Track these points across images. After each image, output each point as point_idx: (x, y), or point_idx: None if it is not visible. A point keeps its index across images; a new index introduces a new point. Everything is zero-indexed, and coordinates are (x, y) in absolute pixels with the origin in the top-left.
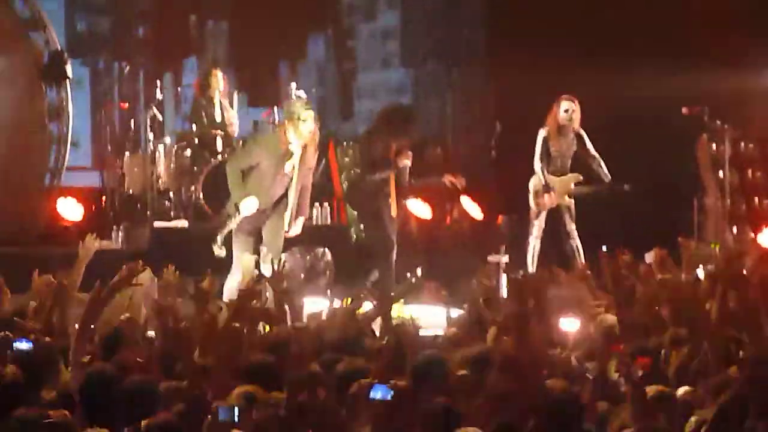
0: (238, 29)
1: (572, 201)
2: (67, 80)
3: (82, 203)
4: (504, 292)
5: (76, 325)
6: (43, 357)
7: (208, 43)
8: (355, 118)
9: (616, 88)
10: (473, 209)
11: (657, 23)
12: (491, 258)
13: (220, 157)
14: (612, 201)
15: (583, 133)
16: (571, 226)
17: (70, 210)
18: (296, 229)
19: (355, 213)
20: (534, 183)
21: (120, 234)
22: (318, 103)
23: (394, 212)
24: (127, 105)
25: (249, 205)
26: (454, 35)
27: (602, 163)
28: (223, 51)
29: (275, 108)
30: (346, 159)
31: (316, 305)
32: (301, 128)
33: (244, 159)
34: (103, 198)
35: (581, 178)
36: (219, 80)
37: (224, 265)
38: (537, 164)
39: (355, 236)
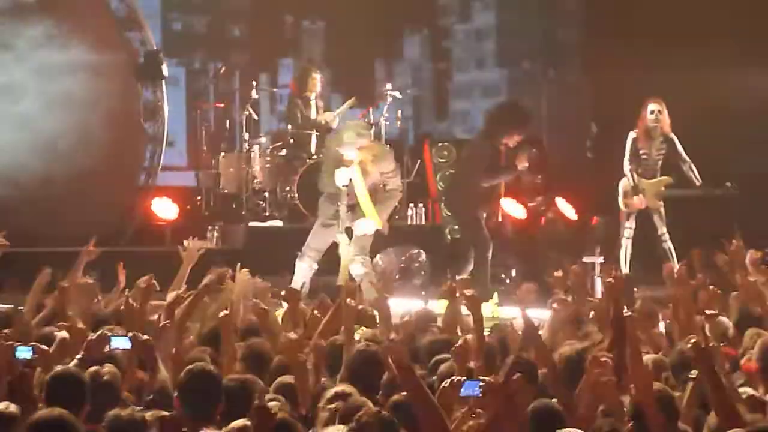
0: (333, 29)
1: (662, 204)
2: (163, 80)
3: (177, 203)
4: (599, 293)
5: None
6: (141, 355)
7: (303, 43)
8: (450, 118)
9: (714, 90)
10: (568, 210)
11: (757, 20)
12: (586, 259)
13: (315, 157)
14: (707, 204)
15: (673, 136)
16: (663, 229)
17: (165, 209)
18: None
19: (449, 213)
20: (623, 185)
21: (215, 233)
22: (413, 102)
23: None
24: (222, 105)
25: (342, 176)
26: (550, 35)
27: (693, 167)
28: (318, 51)
29: (371, 108)
30: (441, 159)
31: (410, 305)
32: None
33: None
34: (198, 197)
35: (672, 181)
36: (315, 80)
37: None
38: (626, 166)
39: (449, 236)
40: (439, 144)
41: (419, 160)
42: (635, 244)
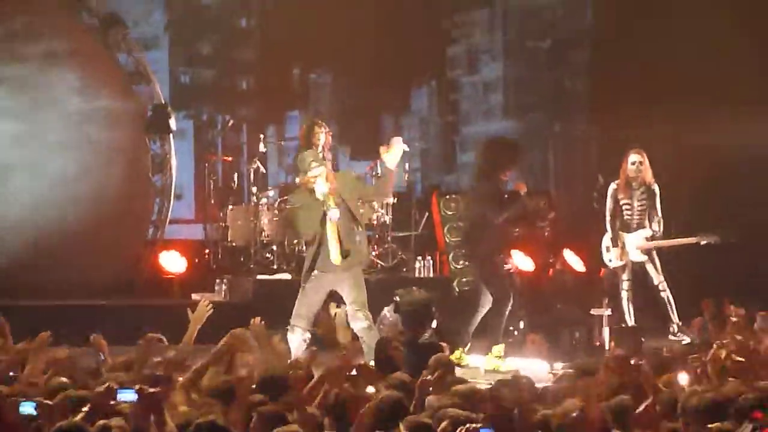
0: (341, 81)
1: (650, 254)
2: (171, 133)
3: (185, 255)
4: (607, 345)
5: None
6: (148, 408)
7: (311, 96)
8: (458, 171)
9: (722, 139)
10: (576, 262)
11: (761, 70)
12: (594, 311)
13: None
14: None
15: (656, 187)
16: (658, 279)
17: (173, 262)
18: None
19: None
20: (604, 238)
21: (223, 286)
22: (421, 155)
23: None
24: (230, 158)
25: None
26: (557, 87)
27: (660, 223)
28: (326, 103)
29: (378, 161)
30: (449, 212)
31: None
32: (314, 182)
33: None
34: (206, 250)
35: (651, 232)
36: (320, 133)
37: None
38: (607, 219)
39: (458, 289)
40: (447, 196)
41: (427, 213)
42: (640, 294)
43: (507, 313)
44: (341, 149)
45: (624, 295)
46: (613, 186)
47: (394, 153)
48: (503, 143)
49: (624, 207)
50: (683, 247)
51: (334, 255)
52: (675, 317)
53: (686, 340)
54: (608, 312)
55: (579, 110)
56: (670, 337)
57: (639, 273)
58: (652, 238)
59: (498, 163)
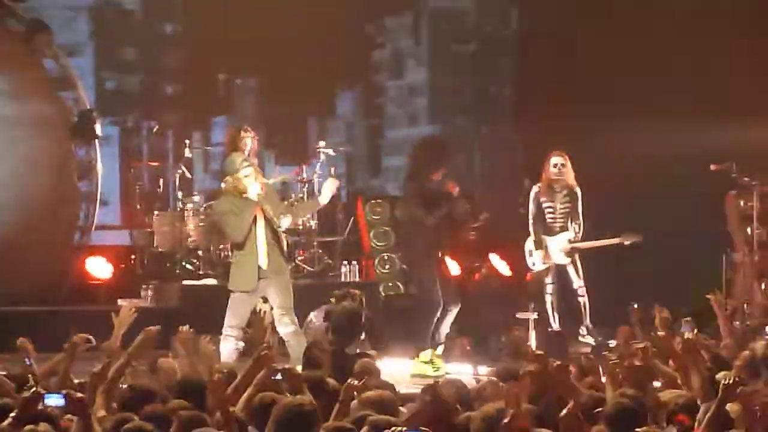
0: (266, 86)
1: (573, 257)
2: (97, 139)
3: (111, 261)
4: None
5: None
6: (75, 413)
7: (236, 101)
8: (383, 175)
9: (645, 144)
10: (502, 266)
11: (685, 79)
12: (520, 315)
13: None
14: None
15: (578, 190)
16: (578, 283)
17: (100, 268)
18: (285, 222)
19: (385, 269)
20: (527, 242)
21: (149, 292)
22: (346, 159)
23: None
24: (156, 163)
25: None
26: (482, 92)
27: (580, 226)
28: (251, 108)
29: (304, 166)
30: (375, 216)
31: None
32: (245, 183)
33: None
34: (133, 256)
35: (573, 235)
36: (245, 139)
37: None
38: (530, 222)
39: (383, 294)
40: (372, 201)
41: (352, 218)
42: (566, 298)
43: (436, 318)
44: (267, 154)
45: (548, 299)
46: (535, 189)
47: (327, 190)
48: (432, 143)
49: (547, 210)
50: (607, 249)
51: (262, 259)
52: (587, 319)
53: (591, 342)
54: (534, 316)
55: (504, 115)
56: (579, 338)
57: (563, 276)
58: (574, 240)
59: (428, 163)
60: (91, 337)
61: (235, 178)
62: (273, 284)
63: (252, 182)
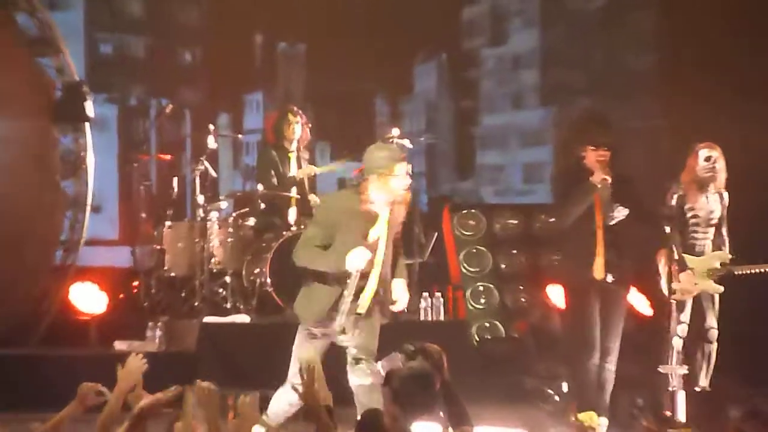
0: (319, 54)
1: (719, 288)
2: (87, 122)
3: (105, 289)
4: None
5: None
6: None
7: (279, 73)
8: (478, 175)
9: None
10: (640, 302)
11: None
12: (663, 369)
13: (295, 228)
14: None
15: (726, 195)
16: (712, 323)
17: (90, 298)
18: (402, 303)
19: (479, 304)
20: (661, 263)
21: (158, 332)
22: (427, 154)
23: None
24: (168, 156)
25: (357, 257)
26: (614, 62)
27: (726, 244)
28: (299, 84)
29: None
30: (466, 232)
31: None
32: (392, 184)
33: (316, 229)
34: (135, 283)
35: (730, 256)
36: (294, 124)
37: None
38: (671, 237)
39: (477, 337)
40: (464, 211)
41: (435, 233)
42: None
43: (592, 367)
44: (320, 146)
45: (677, 343)
46: (678, 191)
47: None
48: (594, 117)
49: (691, 220)
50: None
51: (364, 300)
52: (704, 379)
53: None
54: (683, 370)
55: (645, 94)
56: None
57: (698, 313)
58: (730, 262)
59: (579, 141)
60: (103, 388)
61: (381, 173)
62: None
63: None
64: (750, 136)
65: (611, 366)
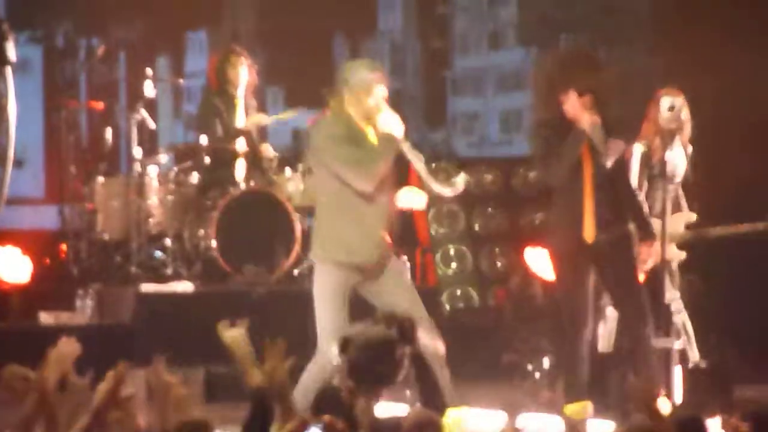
0: None
1: (681, 254)
2: (8, 65)
3: (29, 254)
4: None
5: None
6: None
7: (225, 8)
8: (450, 124)
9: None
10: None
11: None
12: (658, 342)
13: (243, 185)
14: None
15: (690, 149)
16: (673, 294)
17: (11, 265)
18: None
19: (450, 268)
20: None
21: (89, 301)
22: (394, 100)
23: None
24: (100, 104)
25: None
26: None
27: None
28: (249, 20)
29: (327, 111)
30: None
31: (390, 410)
32: (368, 102)
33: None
34: (64, 246)
35: (694, 216)
36: (243, 66)
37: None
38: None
39: (448, 306)
40: (434, 164)
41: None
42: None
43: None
44: (272, 91)
45: (681, 321)
46: (639, 148)
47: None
48: (580, 54)
49: (657, 177)
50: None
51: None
52: (694, 353)
53: None
54: (678, 345)
55: (633, 30)
56: None
57: (651, 281)
58: (696, 225)
59: (562, 82)
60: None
61: (358, 91)
62: (386, 285)
63: (390, 117)
64: (736, 84)
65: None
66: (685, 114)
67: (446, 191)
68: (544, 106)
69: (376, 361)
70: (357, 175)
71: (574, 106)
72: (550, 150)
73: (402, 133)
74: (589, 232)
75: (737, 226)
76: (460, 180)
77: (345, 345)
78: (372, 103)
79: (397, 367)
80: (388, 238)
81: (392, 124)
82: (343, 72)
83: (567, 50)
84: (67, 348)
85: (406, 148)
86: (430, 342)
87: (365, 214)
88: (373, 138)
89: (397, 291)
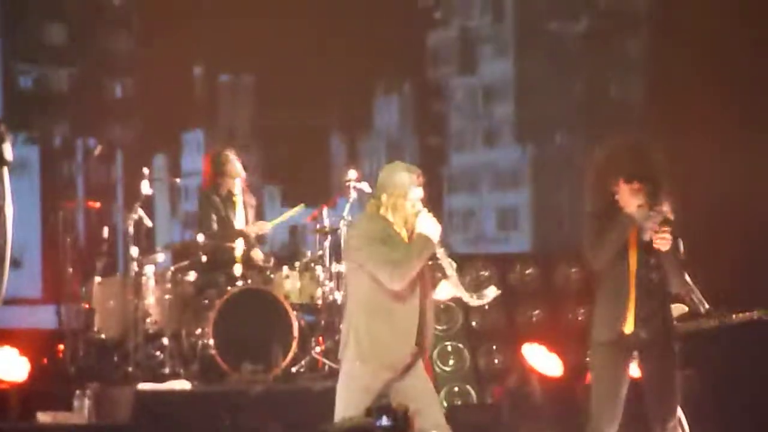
0: (267, 86)
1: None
2: (5, 165)
3: (26, 354)
4: None
5: None
6: None
7: (221, 108)
8: (446, 222)
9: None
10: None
11: None
12: None
13: (241, 283)
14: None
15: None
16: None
17: (9, 365)
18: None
19: (448, 366)
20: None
21: (86, 401)
22: None
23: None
24: (97, 204)
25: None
26: (598, 93)
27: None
28: (245, 119)
29: (325, 207)
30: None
31: None
32: (405, 205)
33: (381, 246)
34: (61, 346)
35: (685, 308)
36: (237, 166)
37: None
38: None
39: (446, 403)
40: (430, 262)
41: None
42: None
43: None
44: (269, 189)
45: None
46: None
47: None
48: (625, 142)
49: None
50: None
51: (411, 339)
52: None
53: None
54: None
55: (631, 126)
56: None
57: None
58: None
59: (612, 173)
60: None
61: (395, 193)
62: (414, 379)
63: (425, 218)
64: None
65: None
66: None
67: (476, 302)
68: (595, 196)
69: None
70: (391, 275)
71: (624, 195)
72: (600, 239)
73: (438, 237)
74: (629, 325)
75: (730, 316)
76: (491, 292)
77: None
78: (408, 206)
79: None
80: (420, 341)
81: (430, 226)
82: (380, 174)
83: (613, 139)
84: None
85: (441, 254)
86: None
87: (398, 314)
88: (407, 240)
89: (420, 394)
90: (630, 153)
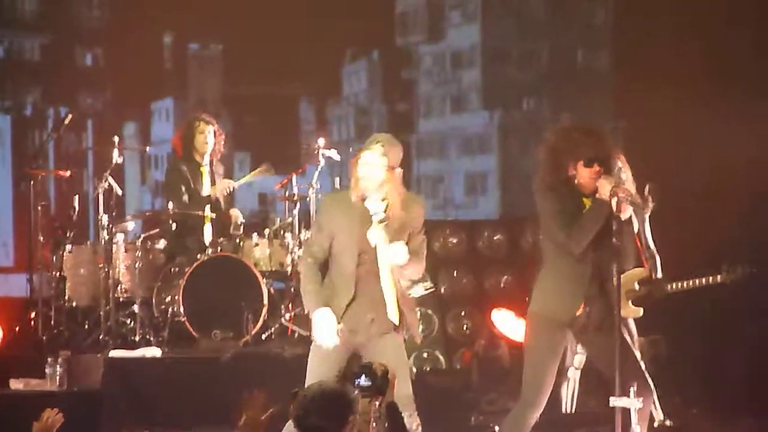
0: (235, 55)
1: (639, 311)
2: None
3: None
4: None
5: None
6: None
7: (191, 77)
8: (414, 188)
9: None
10: None
11: None
12: (616, 401)
13: (211, 250)
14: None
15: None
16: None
17: None
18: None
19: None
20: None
21: (58, 368)
22: None
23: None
24: (68, 172)
25: (324, 327)
26: (564, 58)
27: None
28: (214, 88)
29: (294, 175)
30: None
31: None
32: (359, 171)
33: (315, 230)
34: (32, 314)
35: (647, 272)
36: (210, 133)
37: (214, 415)
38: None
39: (415, 368)
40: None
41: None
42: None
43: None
44: (239, 157)
45: (571, 376)
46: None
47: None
48: (582, 129)
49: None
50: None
51: (392, 310)
52: (658, 412)
53: None
54: (638, 404)
55: (599, 90)
56: None
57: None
58: (648, 282)
59: (568, 151)
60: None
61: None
62: (382, 348)
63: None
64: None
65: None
66: (626, 175)
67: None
68: (550, 173)
69: (320, 414)
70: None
71: (584, 177)
72: (563, 206)
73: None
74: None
75: (693, 280)
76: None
77: (293, 396)
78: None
79: (342, 424)
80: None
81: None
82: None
83: (568, 125)
84: (51, 420)
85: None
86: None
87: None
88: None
89: (388, 363)
90: (589, 137)
